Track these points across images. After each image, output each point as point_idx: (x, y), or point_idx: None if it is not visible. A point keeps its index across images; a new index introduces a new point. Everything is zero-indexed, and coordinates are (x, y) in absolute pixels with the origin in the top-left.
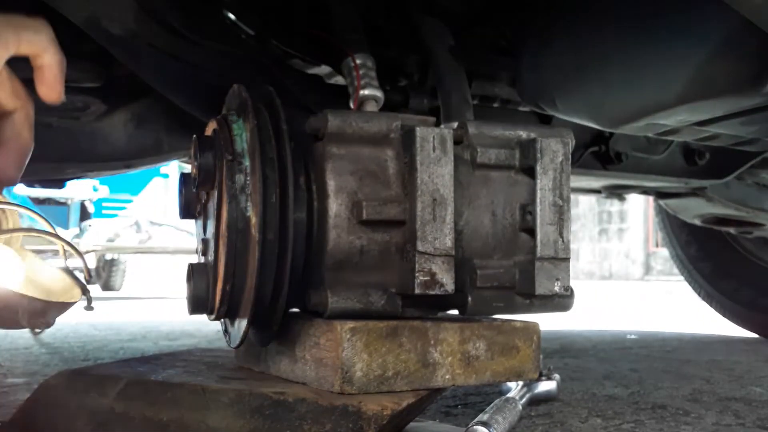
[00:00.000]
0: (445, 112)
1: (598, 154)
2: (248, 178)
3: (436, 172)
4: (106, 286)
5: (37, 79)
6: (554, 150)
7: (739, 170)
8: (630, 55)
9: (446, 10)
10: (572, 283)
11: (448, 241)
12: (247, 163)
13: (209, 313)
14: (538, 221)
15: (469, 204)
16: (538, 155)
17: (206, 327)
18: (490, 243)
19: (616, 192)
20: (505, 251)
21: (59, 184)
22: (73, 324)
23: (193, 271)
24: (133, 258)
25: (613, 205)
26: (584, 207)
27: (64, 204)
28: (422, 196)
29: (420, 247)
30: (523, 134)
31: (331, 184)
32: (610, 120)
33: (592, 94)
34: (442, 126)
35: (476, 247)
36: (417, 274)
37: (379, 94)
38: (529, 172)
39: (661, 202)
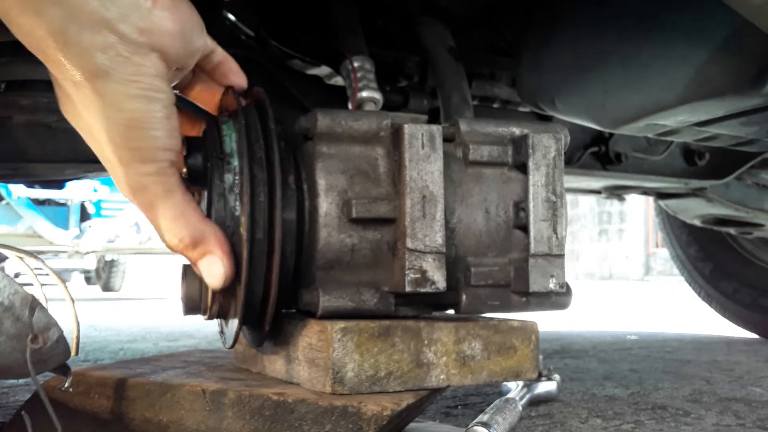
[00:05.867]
0: (445, 112)
1: (598, 155)
2: (237, 178)
3: (425, 169)
4: (106, 287)
5: (224, 71)
6: (546, 146)
7: (738, 171)
8: (630, 56)
9: (446, 11)
10: (572, 284)
11: (439, 239)
12: (236, 163)
13: (203, 313)
14: (531, 218)
15: (462, 201)
16: (530, 151)
17: (206, 328)
18: (483, 241)
19: (616, 192)
20: (500, 249)
21: (59, 184)
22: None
23: (186, 271)
24: (132, 259)
25: (613, 206)
26: (584, 208)
27: (64, 205)
28: (411, 193)
29: (410, 244)
30: (516, 131)
31: (321, 183)
32: (610, 120)
33: (592, 95)
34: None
35: (470, 245)
36: (407, 272)
37: (377, 95)
38: (522, 168)
39: (661, 202)
